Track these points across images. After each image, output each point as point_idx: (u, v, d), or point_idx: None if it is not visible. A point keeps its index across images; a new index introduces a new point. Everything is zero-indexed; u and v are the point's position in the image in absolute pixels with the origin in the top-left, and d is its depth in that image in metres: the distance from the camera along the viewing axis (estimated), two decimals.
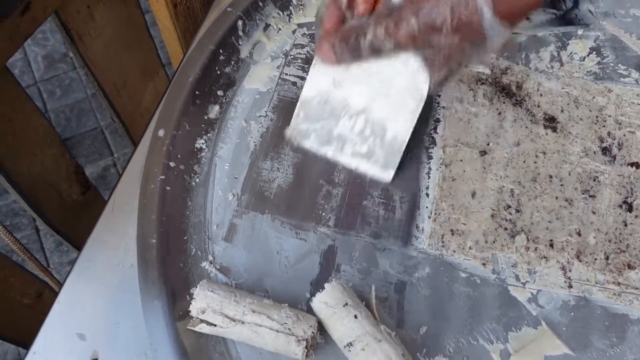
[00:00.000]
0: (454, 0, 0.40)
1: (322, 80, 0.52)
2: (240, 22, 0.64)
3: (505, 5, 0.41)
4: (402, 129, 0.51)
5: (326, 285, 0.46)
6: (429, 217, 0.54)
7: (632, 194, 0.55)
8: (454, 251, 0.52)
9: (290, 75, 0.63)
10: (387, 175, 0.51)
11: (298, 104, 0.53)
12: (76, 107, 1.92)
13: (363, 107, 0.52)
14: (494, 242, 0.52)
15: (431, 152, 0.58)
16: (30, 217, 1.61)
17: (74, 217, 0.88)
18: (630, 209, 0.54)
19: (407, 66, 0.48)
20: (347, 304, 0.45)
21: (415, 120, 0.51)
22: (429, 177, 0.56)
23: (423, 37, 0.42)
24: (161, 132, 0.56)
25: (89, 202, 0.90)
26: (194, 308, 0.46)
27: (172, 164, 0.55)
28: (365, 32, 0.44)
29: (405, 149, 0.51)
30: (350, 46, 0.45)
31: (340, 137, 0.53)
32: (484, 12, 0.40)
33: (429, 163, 0.57)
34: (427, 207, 0.54)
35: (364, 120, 0.52)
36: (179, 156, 0.56)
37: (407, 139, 0.51)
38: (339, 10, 0.46)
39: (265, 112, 0.60)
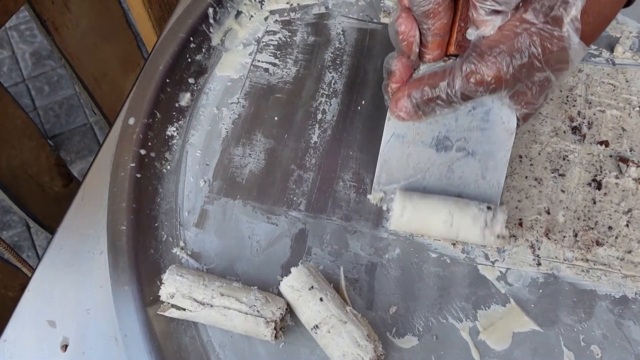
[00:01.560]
0: (539, 34, 0.38)
1: (399, 136, 0.51)
2: (211, 10, 0.63)
3: (589, 28, 0.39)
4: (496, 169, 0.50)
5: (293, 269, 0.47)
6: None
7: (601, 171, 0.55)
8: None
9: (262, 62, 0.63)
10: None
11: (377, 166, 0.52)
12: (65, 104, 1.92)
13: (450, 155, 0.51)
14: None
15: None
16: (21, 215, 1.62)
17: (56, 209, 0.88)
18: (599, 186, 0.54)
19: (490, 102, 0.47)
20: (312, 287, 0.46)
21: (508, 156, 0.50)
22: None
23: (517, 76, 0.40)
24: (131, 120, 0.56)
25: (71, 194, 0.90)
26: (163, 293, 0.46)
27: (142, 152, 0.55)
28: (453, 79, 0.41)
29: None
30: (436, 97, 0.42)
31: (430, 191, 0.51)
32: (571, 40, 0.39)
33: None
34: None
35: (454, 167, 0.51)
36: (149, 144, 0.56)
37: (504, 180, 0.50)
38: (409, 60, 0.44)
39: (237, 98, 0.61)
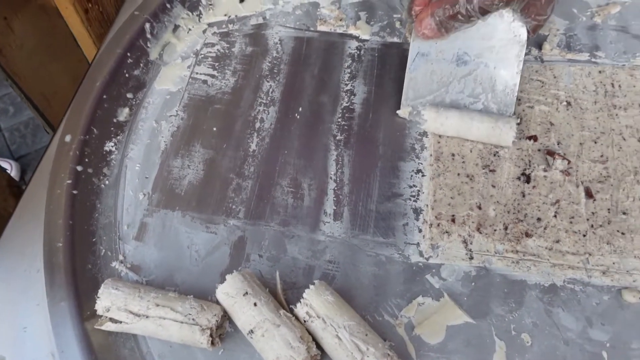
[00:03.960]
0: None
1: (423, 54, 0.57)
2: (147, 25, 0.64)
3: None
4: (510, 77, 0.57)
5: (227, 276, 0.47)
6: (336, 201, 0.55)
7: (529, 165, 0.57)
8: (361, 232, 0.54)
9: (200, 74, 0.64)
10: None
11: (405, 84, 0.58)
12: (30, 124, 1.90)
13: (469, 68, 0.57)
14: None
15: (339, 140, 0.59)
16: None
17: None
18: (528, 180, 0.56)
19: (502, 18, 0.54)
20: (247, 292, 0.46)
21: (521, 65, 0.56)
22: (336, 164, 0.58)
23: None
24: (68, 138, 0.57)
25: None
26: (99, 307, 0.47)
27: (79, 168, 0.55)
28: None
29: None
30: (457, 14, 0.48)
31: (453, 103, 0.58)
32: None
33: (337, 150, 0.58)
34: (334, 193, 0.56)
35: (473, 79, 0.57)
36: (86, 160, 0.56)
37: (518, 85, 0.57)
38: None
39: (176, 111, 0.61)
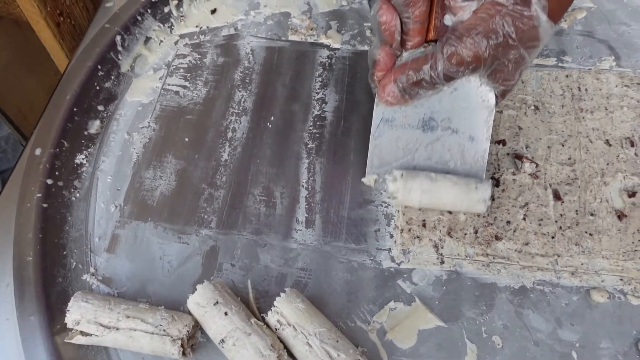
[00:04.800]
0: (511, 14, 0.42)
1: (387, 120, 0.54)
2: (119, 38, 0.65)
3: (556, 6, 0.44)
4: (479, 143, 0.54)
5: (198, 286, 0.47)
6: (308, 209, 0.56)
7: (499, 169, 0.58)
8: (333, 239, 0.54)
9: (172, 85, 0.64)
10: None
11: (369, 150, 0.55)
12: (11, 139, 1.88)
13: (436, 134, 0.54)
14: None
15: (310, 148, 0.60)
16: None
17: None
18: (497, 184, 0.57)
19: (469, 83, 0.50)
20: (217, 302, 0.46)
21: (490, 131, 0.53)
22: (308, 172, 0.58)
23: (494, 54, 0.44)
24: (38, 151, 0.56)
25: None
26: (69, 320, 0.46)
27: (49, 182, 0.55)
28: (436, 61, 0.45)
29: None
30: (420, 80, 0.46)
31: (419, 169, 0.55)
32: (540, 18, 0.43)
33: (309, 158, 0.59)
34: (306, 200, 0.56)
35: (441, 146, 0.54)
36: (57, 173, 0.56)
37: (487, 151, 0.54)
38: (391, 48, 0.48)
39: (148, 122, 0.61)
